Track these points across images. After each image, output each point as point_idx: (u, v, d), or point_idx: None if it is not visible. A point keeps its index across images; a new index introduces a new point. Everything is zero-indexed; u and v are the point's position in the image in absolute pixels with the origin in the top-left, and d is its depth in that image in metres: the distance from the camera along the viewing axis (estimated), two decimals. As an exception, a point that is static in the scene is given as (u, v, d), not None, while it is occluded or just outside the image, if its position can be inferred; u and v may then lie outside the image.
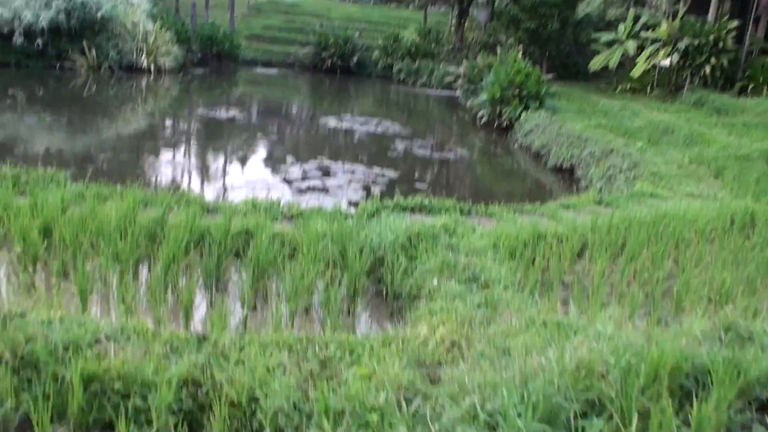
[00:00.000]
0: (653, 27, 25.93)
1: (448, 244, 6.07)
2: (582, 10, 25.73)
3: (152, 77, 26.77)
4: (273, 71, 34.23)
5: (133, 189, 7.58)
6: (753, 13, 24.42)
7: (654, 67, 25.73)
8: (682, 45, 23.52)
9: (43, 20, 24.37)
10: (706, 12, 25.83)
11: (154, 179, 11.71)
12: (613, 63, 26.67)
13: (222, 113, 19.83)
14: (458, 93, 29.58)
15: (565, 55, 30.92)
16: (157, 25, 28.45)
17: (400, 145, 16.77)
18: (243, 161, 14.12)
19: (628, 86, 26.97)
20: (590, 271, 6.22)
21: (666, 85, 25.44)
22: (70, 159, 12.50)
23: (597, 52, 29.91)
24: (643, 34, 25.83)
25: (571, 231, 6.91)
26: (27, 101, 19.85)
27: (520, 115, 19.81)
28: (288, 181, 11.83)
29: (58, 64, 25.47)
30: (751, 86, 23.27)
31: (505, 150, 18.22)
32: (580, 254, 6.68)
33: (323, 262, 5.79)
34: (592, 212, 8.29)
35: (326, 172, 12.64)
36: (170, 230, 5.95)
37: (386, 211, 7.16)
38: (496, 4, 35.07)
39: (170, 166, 13.27)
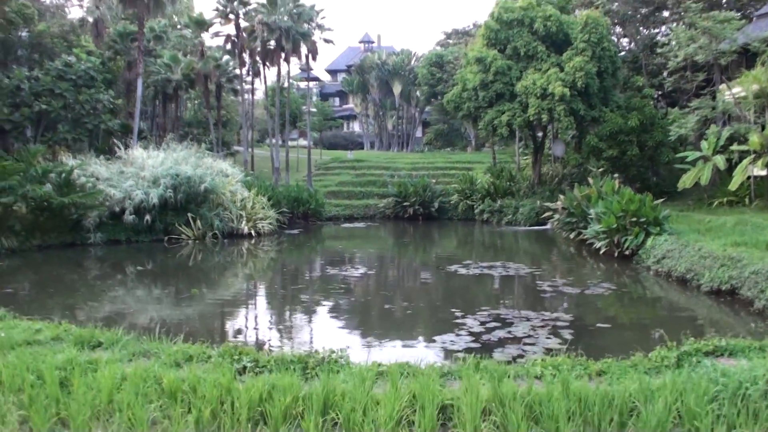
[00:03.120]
0: (738, 140, 26.03)
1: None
2: (675, 132, 26.06)
3: (253, 241, 27.46)
4: (359, 225, 34.95)
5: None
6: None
7: (748, 178, 25.56)
8: (781, 154, 23.43)
9: (153, 197, 25.52)
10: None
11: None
12: (705, 179, 26.55)
13: (346, 270, 19.94)
14: (549, 226, 29.79)
15: (646, 177, 31.15)
16: (253, 191, 29.58)
17: (542, 285, 16.54)
18: (412, 321, 13.94)
19: (725, 200, 26.65)
20: None
21: (767, 194, 25.12)
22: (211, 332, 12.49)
23: (677, 171, 30.23)
24: (733, 147, 25.87)
25: None
26: (140, 274, 20.36)
27: (643, 242, 19.65)
28: (477, 335, 11.55)
29: (165, 238, 26.35)
30: None
31: (638, 278, 17.80)
32: None
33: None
34: None
35: (504, 322, 12.37)
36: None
37: (688, 359, 6.75)
38: (571, 137, 35.88)
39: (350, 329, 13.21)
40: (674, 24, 35.89)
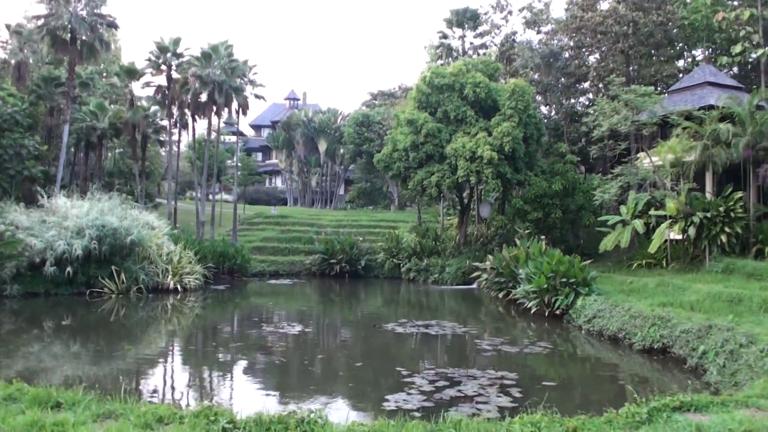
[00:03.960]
0: (655, 206, 27.46)
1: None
2: (599, 197, 27.29)
3: (179, 296, 26.65)
4: (285, 281, 34.51)
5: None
6: (750, 184, 26.11)
7: (665, 241, 26.91)
8: (696, 218, 24.81)
9: (78, 248, 24.54)
10: (701, 188, 27.63)
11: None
12: (625, 241, 27.70)
13: (282, 328, 19.61)
14: (475, 286, 30.31)
15: (568, 239, 32.34)
16: (180, 245, 28.87)
17: (481, 344, 16.77)
18: (359, 380, 13.76)
19: (643, 262, 27.83)
20: None
21: (683, 257, 26.43)
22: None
23: (596, 233, 31.58)
24: (651, 212, 27.24)
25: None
26: (58, 329, 19.47)
27: (573, 302, 20.31)
28: (428, 394, 11.53)
29: (87, 291, 25.25)
30: (767, 249, 24.41)
31: (571, 337, 18.30)
32: None
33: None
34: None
35: (451, 381, 12.42)
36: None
37: (659, 414, 6.96)
38: (495, 199, 36.96)
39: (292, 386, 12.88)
40: (592, 95, 38.15)
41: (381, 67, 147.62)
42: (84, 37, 30.97)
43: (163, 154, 57.62)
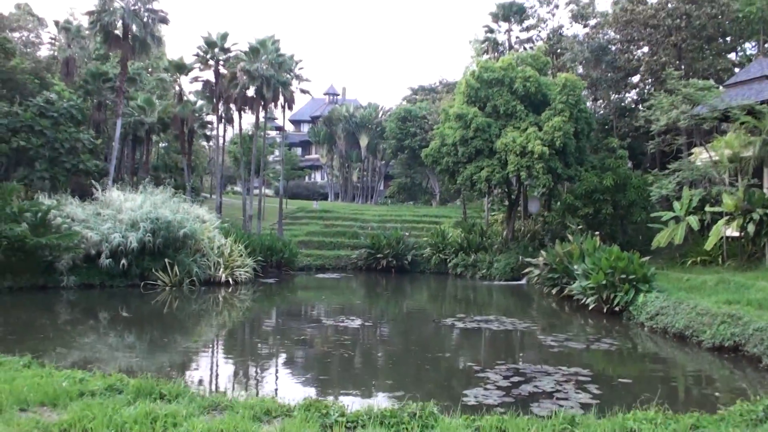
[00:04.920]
0: (709, 202, 26.89)
1: None
2: (656, 192, 26.84)
3: (230, 289, 26.84)
4: (333, 275, 34.56)
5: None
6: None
7: (721, 238, 26.33)
8: (756, 215, 24.20)
9: (133, 241, 24.82)
10: (759, 184, 26.97)
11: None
12: (679, 238, 27.16)
13: (342, 321, 19.44)
14: (524, 281, 30.06)
15: (618, 235, 31.84)
16: (230, 239, 29.07)
17: (546, 340, 16.56)
18: (434, 376, 13.66)
19: (698, 259, 27.27)
20: None
21: (740, 254, 25.82)
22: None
23: (644, 230, 31.06)
24: (707, 209, 26.67)
25: None
26: (115, 320, 19.74)
27: (633, 299, 19.96)
28: (505, 389, 11.39)
29: (141, 283, 25.55)
30: (829, 247, 23.74)
31: (635, 334, 17.96)
32: None
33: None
34: None
35: (525, 376, 12.27)
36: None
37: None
38: (541, 195, 36.56)
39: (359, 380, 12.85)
40: (644, 89, 37.49)
41: (420, 62, 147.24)
42: (136, 33, 31.31)
43: (206, 148, 58.26)
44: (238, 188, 68.00)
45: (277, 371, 13.85)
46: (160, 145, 51.82)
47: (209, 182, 61.19)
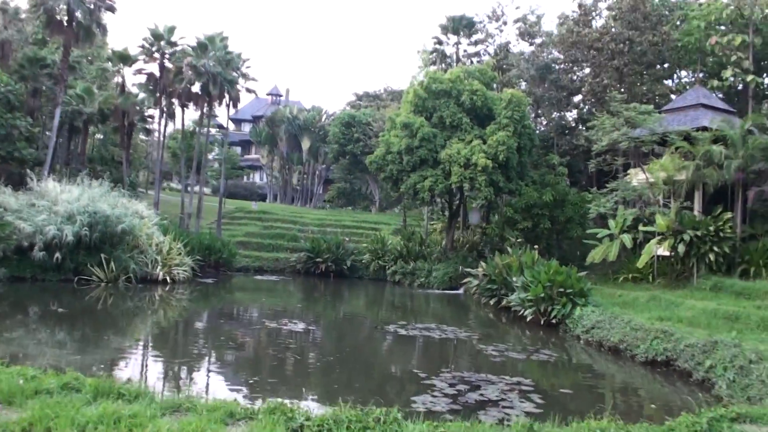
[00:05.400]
0: (643, 221, 27.91)
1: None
2: (594, 210, 27.74)
3: (167, 288, 26.33)
4: (272, 278, 34.30)
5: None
6: (738, 205, 26.67)
7: (652, 256, 27.36)
8: (687, 236, 25.26)
9: (69, 234, 24.05)
10: (689, 206, 28.12)
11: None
12: (613, 255, 28.10)
13: (285, 325, 19.10)
14: (461, 291, 30.52)
15: (554, 250, 32.73)
16: (169, 236, 28.50)
17: (487, 349, 16.88)
18: (380, 382, 13.74)
19: (629, 276, 28.20)
20: None
21: (669, 273, 26.84)
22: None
23: (578, 246, 32.08)
24: (640, 228, 27.68)
25: None
26: (47, 316, 19.17)
27: (569, 313, 20.57)
28: (452, 397, 11.57)
29: (75, 278, 24.77)
30: (752, 269, 24.95)
31: (572, 346, 18.51)
32: None
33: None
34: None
35: (470, 384, 12.50)
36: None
37: (718, 425, 7.09)
38: (480, 207, 37.22)
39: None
40: (585, 109, 38.66)
41: (365, 68, 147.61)
42: (81, 19, 30.36)
43: (144, 142, 56.86)
44: (173, 184, 66.59)
45: (208, 373, 13.70)
46: (96, 136, 50.33)
47: (145, 177, 59.65)
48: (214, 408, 6.52)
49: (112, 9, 31.21)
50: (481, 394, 11.89)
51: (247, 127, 76.50)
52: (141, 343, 16.45)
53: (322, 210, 57.65)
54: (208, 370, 13.87)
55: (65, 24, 30.71)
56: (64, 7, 30.22)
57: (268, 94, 79.08)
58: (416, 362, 15.56)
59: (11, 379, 7.03)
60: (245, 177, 74.84)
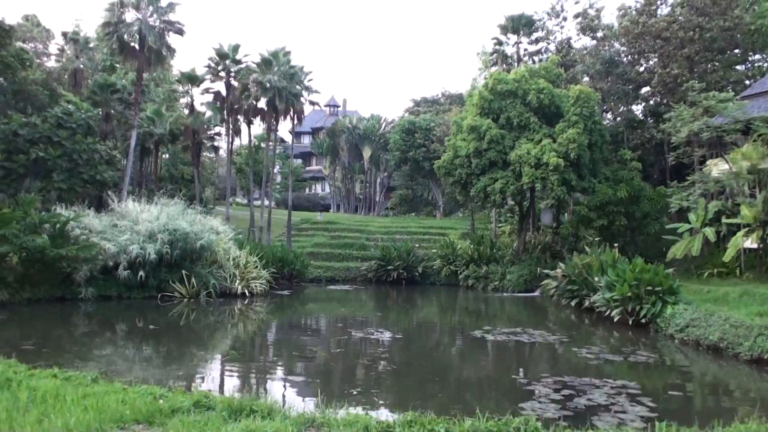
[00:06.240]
0: (725, 214, 26.94)
1: None
2: (676, 204, 26.97)
3: (246, 301, 26.71)
4: (344, 287, 34.38)
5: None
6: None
7: (738, 250, 26.35)
8: (777, 227, 24.26)
9: (151, 252, 24.65)
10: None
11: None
12: (696, 250, 27.21)
13: (372, 334, 19.19)
14: (538, 293, 30.02)
15: (631, 247, 31.90)
16: (245, 250, 28.93)
17: (581, 352, 16.48)
18: (482, 389, 13.58)
19: (714, 271, 27.26)
20: None
21: (758, 266, 25.84)
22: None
23: (655, 242, 31.19)
24: (724, 220, 26.73)
25: None
26: (142, 332, 19.64)
27: (660, 311, 19.93)
28: (559, 402, 11.30)
29: (159, 295, 25.37)
30: None
31: (667, 346, 17.91)
32: None
33: None
34: None
35: (574, 389, 12.19)
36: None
37: None
38: (550, 206, 36.60)
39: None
40: (655, 101, 37.66)
41: (419, 74, 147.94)
42: (151, 44, 31.24)
43: (212, 159, 58.11)
44: (239, 199, 67.86)
45: (312, 386, 13.69)
46: (163, 156, 51.72)
47: (212, 193, 60.96)
48: (349, 423, 6.46)
49: (181, 32, 32.00)
50: (589, 399, 11.57)
51: (306, 139, 77.43)
52: (236, 357, 16.61)
53: (386, 218, 57.74)
54: (310, 383, 13.87)
55: (137, 49, 31.65)
56: (136, 32, 31.14)
57: (325, 106, 79.92)
58: (513, 368, 15.31)
59: (142, 398, 7.14)
60: (307, 189, 75.70)
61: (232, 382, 13.45)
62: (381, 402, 11.90)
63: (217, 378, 13.90)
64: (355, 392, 12.72)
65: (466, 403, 11.49)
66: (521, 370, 14.98)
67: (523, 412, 10.65)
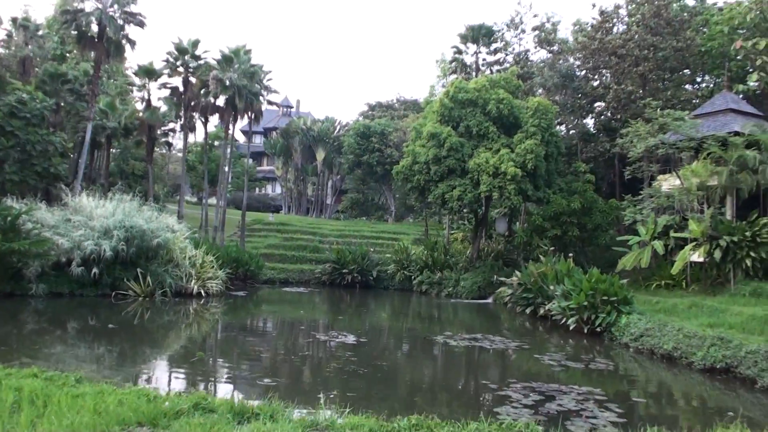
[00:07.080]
0: (674, 228, 27.88)
1: None
2: (629, 217, 27.78)
3: (202, 301, 26.34)
4: (299, 289, 34.24)
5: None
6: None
7: (685, 263, 27.28)
8: (723, 242, 25.22)
9: (107, 249, 24.09)
10: (723, 212, 28.04)
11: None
12: (645, 262, 28.05)
13: (336, 338, 19.18)
14: (490, 300, 30.47)
15: (582, 257, 32.71)
16: (201, 250, 28.52)
17: (543, 359, 16.86)
18: (454, 394, 13.72)
19: (662, 283, 28.10)
20: None
21: (704, 279, 26.80)
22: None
23: (604, 253, 32.09)
24: (672, 234, 27.64)
25: None
26: (91, 331, 19.17)
27: (615, 321, 20.54)
28: (531, 407, 11.55)
29: (113, 293, 24.79)
30: (791, 273, 24.88)
31: (623, 354, 18.45)
32: None
33: None
34: None
35: (543, 394, 12.49)
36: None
37: None
38: (503, 215, 37.22)
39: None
40: (609, 116, 38.72)
41: (375, 78, 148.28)
42: (111, 35, 30.47)
43: (163, 156, 56.98)
44: (188, 198, 66.68)
45: (292, 388, 13.64)
46: (113, 151, 50.45)
47: (163, 191, 59.75)
48: (354, 426, 6.51)
49: (141, 24, 31.35)
50: (560, 404, 11.88)
51: (258, 139, 76.62)
52: (210, 358, 16.38)
53: (339, 221, 57.65)
54: (288, 385, 13.79)
55: (96, 39, 30.85)
56: (96, 22, 30.34)
57: (278, 106, 79.24)
58: (481, 373, 15.54)
59: (140, 400, 7.03)
60: (258, 189, 74.94)
61: (192, 384, 13.24)
62: (363, 404, 11.92)
63: (197, 379, 13.66)
64: (331, 395, 12.73)
65: (443, 406, 11.66)
66: (489, 375, 15.23)
67: (498, 416, 10.88)
